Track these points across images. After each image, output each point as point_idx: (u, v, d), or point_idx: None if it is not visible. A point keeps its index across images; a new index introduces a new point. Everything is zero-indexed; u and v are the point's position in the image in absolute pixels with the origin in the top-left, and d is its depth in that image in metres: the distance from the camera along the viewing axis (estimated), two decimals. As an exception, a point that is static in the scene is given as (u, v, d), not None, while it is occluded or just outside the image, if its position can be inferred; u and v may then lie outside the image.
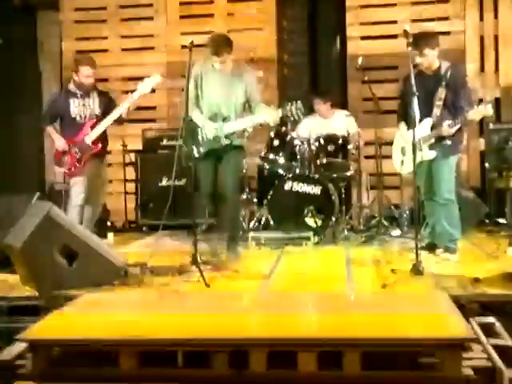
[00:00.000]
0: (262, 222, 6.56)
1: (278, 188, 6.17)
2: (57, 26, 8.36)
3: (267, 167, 6.48)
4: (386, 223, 6.47)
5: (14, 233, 4.46)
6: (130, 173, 7.52)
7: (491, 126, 6.97)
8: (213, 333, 3.33)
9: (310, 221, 6.04)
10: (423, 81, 4.92)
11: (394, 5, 7.78)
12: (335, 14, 8.08)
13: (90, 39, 8.31)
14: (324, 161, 6.33)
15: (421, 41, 4.90)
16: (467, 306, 3.79)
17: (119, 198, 7.69)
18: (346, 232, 6.33)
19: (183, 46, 7.72)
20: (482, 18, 7.64)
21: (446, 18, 7.65)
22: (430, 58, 4.97)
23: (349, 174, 6.49)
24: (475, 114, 4.80)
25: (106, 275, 4.38)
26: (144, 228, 7.28)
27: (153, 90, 5.95)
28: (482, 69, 7.63)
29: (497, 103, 7.41)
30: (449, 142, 4.98)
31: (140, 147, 7.66)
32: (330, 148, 6.35)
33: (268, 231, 6.26)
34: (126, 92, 5.74)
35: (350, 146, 6.44)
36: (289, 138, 6.36)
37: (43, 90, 8.24)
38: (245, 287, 4.43)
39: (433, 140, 4.98)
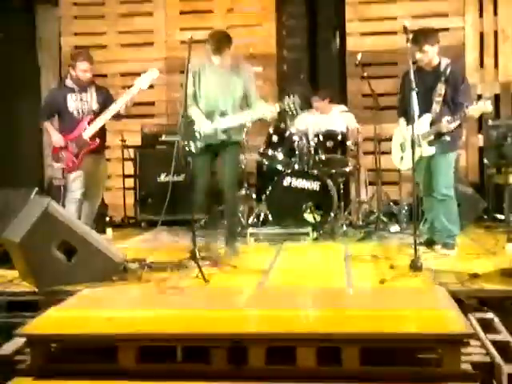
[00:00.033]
0: (261, 218, 6.56)
1: (276, 184, 6.17)
2: (56, 21, 8.36)
3: (266, 163, 6.48)
4: (384, 219, 6.48)
5: (13, 228, 4.46)
6: (129, 168, 7.52)
7: (490, 122, 6.97)
8: (212, 328, 3.34)
9: (308, 216, 6.04)
10: (423, 77, 4.92)
11: (394, 1, 7.79)
12: (335, 10, 8.07)
13: (89, 34, 8.31)
14: (323, 157, 6.32)
15: (420, 37, 4.90)
16: (466, 302, 3.80)
17: (118, 193, 7.69)
18: (344, 228, 6.34)
19: (182, 42, 7.73)
20: (481, 15, 7.64)
21: (446, 15, 7.66)
22: (430, 55, 4.97)
23: (347, 169, 6.49)
24: (474, 110, 4.80)
25: (105, 271, 4.37)
26: (143, 223, 7.27)
27: (151, 86, 5.94)
28: (482, 65, 7.63)
29: (496, 99, 7.41)
30: (448, 138, 4.98)
31: (139, 143, 7.65)
32: (329, 144, 6.35)
33: (267, 227, 6.26)
34: (125, 88, 5.72)
35: (348, 142, 6.43)
36: (288, 133, 6.36)
37: (42, 86, 8.22)
38: (243, 283, 4.42)
39: (432, 136, 4.98)
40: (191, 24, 7.86)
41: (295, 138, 6.35)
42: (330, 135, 6.37)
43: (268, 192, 6.17)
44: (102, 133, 5.73)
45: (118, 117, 5.70)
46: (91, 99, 5.69)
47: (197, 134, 5.13)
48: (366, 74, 6.53)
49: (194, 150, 5.07)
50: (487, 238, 5.89)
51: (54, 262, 4.24)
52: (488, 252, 5.20)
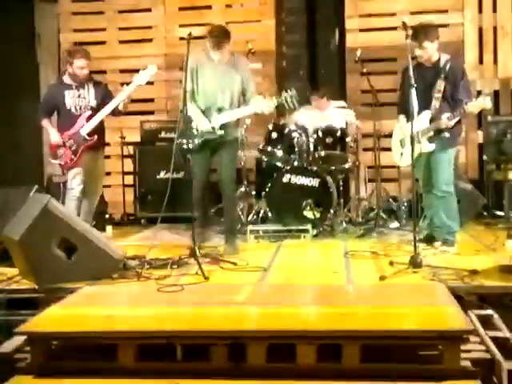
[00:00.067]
0: (261, 215, 6.57)
1: (276, 181, 6.16)
2: (54, 17, 8.34)
3: (265, 160, 6.47)
4: (384, 216, 6.48)
5: (12, 225, 4.45)
6: (129, 165, 7.52)
7: (489, 118, 6.96)
8: (211, 325, 3.34)
9: (308, 213, 6.04)
10: (422, 73, 4.91)
11: (393, -3, 7.78)
12: (334, 6, 8.05)
13: (88, 31, 8.30)
14: (322, 153, 6.30)
15: (420, 33, 4.89)
16: (465, 298, 3.80)
17: (117, 190, 7.68)
18: (344, 224, 6.33)
19: (181, 38, 7.71)
20: (480, 11, 7.62)
21: (445, 11, 7.64)
22: (430, 51, 4.96)
23: (347, 166, 6.48)
24: (474, 106, 4.80)
25: (105, 268, 4.37)
26: (142, 221, 7.28)
27: (150, 82, 5.93)
28: (481, 61, 7.62)
29: (495, 96, 7.40)
30: (447, 135, 4.98)
31: (138, 139, 7.65)
32: (328, 140, 6.33)
33: (266, 224, 6.27)
34: (124, 84, 5.71)
35: (348, 139, 6.42)
36: (287, 130, 6.35)
37: (41, 82, 8.20)
38: (243, 280, 4.42)
39: (431, 132, 4.98)
40: (190, 20, 7.85)
41: (294, 134, 6.34)
42: (329, 131, 6.35)
43: (267, 189, 6.16)
44: (100, 129, 5.72)
45: (116, 113, 5.70)
46: (89, 95, 5.69)
47: (194, 131, 5.13)
48: (365, 70, 6.53)
49: (191, 147, 5.06)
50: (487, 234, 5.88)
51: (54, 259, 4.24)
52: (488, 248, 5.20)
